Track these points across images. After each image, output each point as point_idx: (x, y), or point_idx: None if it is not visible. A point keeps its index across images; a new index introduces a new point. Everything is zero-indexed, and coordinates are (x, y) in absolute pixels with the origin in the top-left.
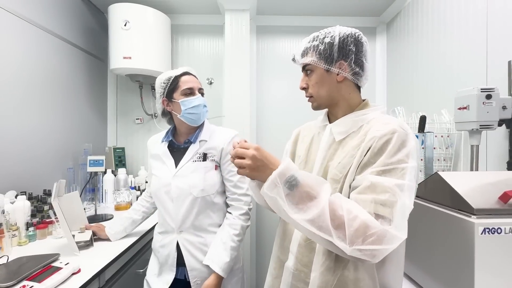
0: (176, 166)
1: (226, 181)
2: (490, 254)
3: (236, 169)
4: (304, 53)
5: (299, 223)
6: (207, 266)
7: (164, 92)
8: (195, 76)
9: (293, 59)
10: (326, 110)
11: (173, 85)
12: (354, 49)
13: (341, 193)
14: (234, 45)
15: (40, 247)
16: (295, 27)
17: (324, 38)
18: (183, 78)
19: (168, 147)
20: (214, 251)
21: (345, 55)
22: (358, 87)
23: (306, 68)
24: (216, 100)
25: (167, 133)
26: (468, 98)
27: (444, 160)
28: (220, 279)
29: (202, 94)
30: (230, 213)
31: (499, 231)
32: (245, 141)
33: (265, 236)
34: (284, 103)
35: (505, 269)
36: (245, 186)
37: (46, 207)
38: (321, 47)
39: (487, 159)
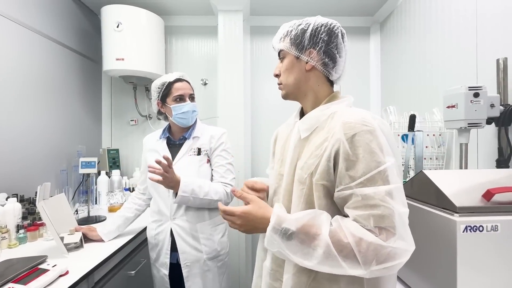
0: (173, 160)
1: (214, 172)
2: (472, 252)
3: (223, 161)
4: (280, 39)
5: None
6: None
7: (158, 96)
8: (187, 82)
9: (273, 46)
10: (300, 107)
11: (166, 91)
12: (325, 39)
13: (307, 194)
14: (228, 46)
15: (30, 249)
16: None
17: (299, 25)
18: (176, 85)
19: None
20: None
21: (315, 44)
22: (330, 81)
23: (280, 54)
24: (210, 101)
25: (163, 131)
26: (456, 97)
27: (437, 158)
28: (177, 179)
29: (193, 99)
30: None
31: (481, 229)
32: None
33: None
34: (278, 104)
35: (487, 266)
36: (230, 177)
37: (37, 210)
38: (294, 33)
39: (478, 157)
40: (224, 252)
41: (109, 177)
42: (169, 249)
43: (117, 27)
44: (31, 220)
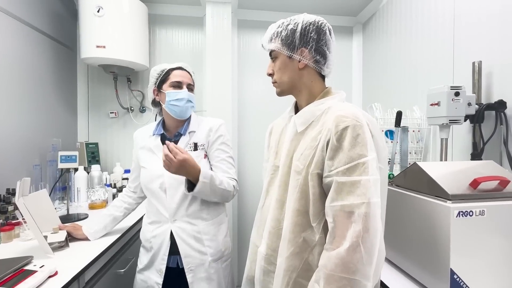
0: None
1: (214, 167)
2: (463, 234)
3: (223, 155)
4: (270, 40)
5: None
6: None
7: (156, 82)
8: (188, 72)
9: (262, 45)
10: (294, 101)
11: (164, 77)
12: (315, 37)
13: (302, 183)
14: (216, 38)
15: (6, 251)
16: None
17: (288, 25)
18: (175, 71)
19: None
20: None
21: (306, 42)
22: (322, 76)
23: (271, 54)
24: (196, 94)
25: (157, 126)
26: (439, 95)
27: (415, 153)
28: (196, 169)
29: (191, 90)
30: None
31: (471, 214)
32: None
33: (248, 228)
34: (264, 98)
35: (476, 247)
36: (232, 171)
37: (10, 208)
38: (284, 33)
39: (452, 151)
40: (228, 253)
41: (88, 172)
42: (167, 254)
43: (98, 11)
44: (3, 219)
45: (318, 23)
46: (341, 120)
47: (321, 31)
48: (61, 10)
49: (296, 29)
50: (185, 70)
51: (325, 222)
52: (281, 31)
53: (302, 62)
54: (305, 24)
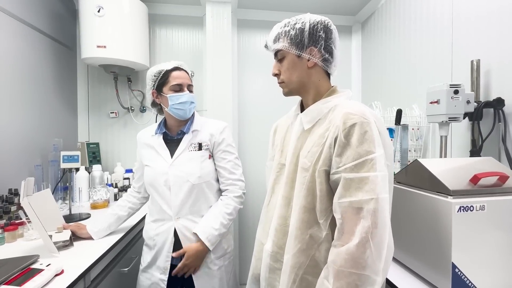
0: (171, 156)
1: (220, 168)
2: (464, 229)
3: (230, 157)
4: (276, 39)
5: None
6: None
7: (154, 84)
8: (186, 71)
9: (266, 46)
10: (299, 100)
11: (163, 79)
12: (324, 36)
13: (309, 180)
14: (216, 38)
15: (10, 250)
16: (275, 23)
17: (295, 24)
18: (174, 73)
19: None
20: (205, 223)
21: (315, 41)
22: (328, 75)
23: (278, 54)
24: (196, 94)
25: (159, 125)
26: (439, 93)
27: (415, 150)
28: (204, 248)
29: (191, 91)
30: (225, 195)
31: (471, 208)
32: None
33: (248, 226)
34: (264, 98)
35: (476, 241)
36: (239, 172)
37: (13, 208)
38: (292, 32)
39: (451, 148)
40: (230, 250)
41: (89, 172)
42: (171, 251)
43: (98, 11)
44: (7, 219)
45: (325, 22)
46: (349, 117)
47: (328, 30)
48: (61, 10)
49: (305, 28)
50: (182, 69)
51: (332, 219)
52: (288, 30)
53: (312, 61)
54: (313, 23)
